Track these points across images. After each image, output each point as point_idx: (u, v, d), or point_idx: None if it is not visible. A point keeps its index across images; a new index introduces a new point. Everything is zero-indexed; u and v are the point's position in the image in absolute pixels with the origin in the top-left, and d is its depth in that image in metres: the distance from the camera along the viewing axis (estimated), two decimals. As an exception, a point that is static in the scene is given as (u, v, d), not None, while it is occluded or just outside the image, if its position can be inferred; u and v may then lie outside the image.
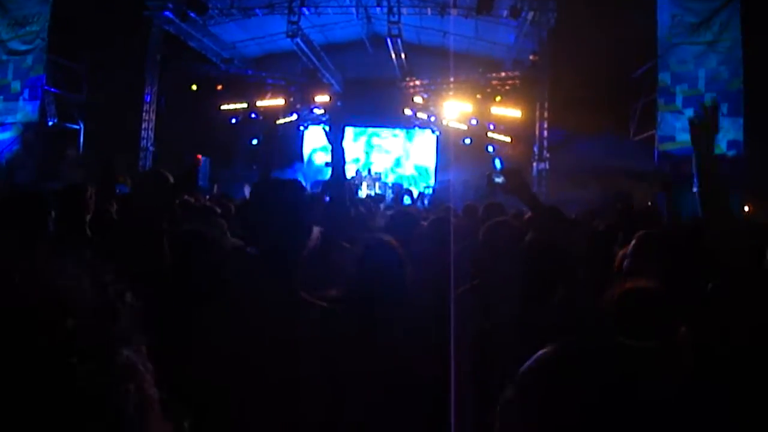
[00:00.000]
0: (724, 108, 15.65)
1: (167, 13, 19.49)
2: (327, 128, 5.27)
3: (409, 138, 27.68)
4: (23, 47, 17.61)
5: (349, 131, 26.69)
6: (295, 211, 2.73)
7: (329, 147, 5.01)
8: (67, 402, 0.77)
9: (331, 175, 5.37)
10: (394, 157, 27.51)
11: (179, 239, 3.71)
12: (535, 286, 3.52)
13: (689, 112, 15.69)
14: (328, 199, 5.68)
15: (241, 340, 2.41)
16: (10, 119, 17.65)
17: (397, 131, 27.51)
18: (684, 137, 16.04)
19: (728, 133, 15.63)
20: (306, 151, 27.72)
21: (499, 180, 4.35)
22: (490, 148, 24.11)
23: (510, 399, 2.69)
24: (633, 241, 4.10)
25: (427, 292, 3.80)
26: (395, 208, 11.52)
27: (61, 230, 4.27)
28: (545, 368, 2.61)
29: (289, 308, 2.55)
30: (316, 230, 2.94)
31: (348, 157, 5.40)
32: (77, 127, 18.97)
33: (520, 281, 3.57)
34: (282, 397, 2.37)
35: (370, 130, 27.48)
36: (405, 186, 23.49)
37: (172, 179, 4.75)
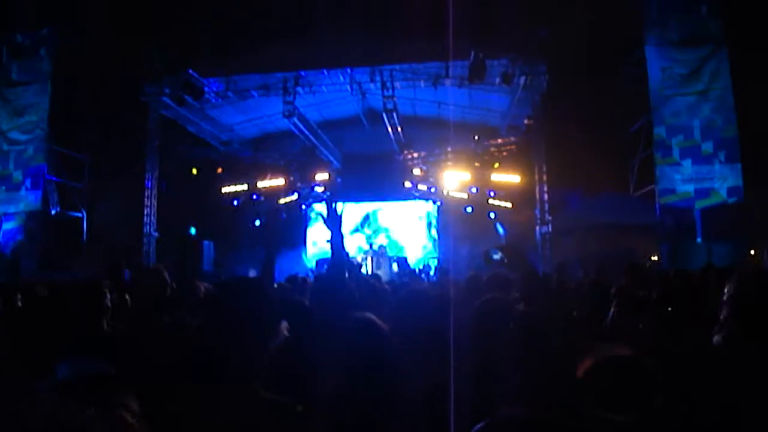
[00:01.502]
0: (721, 155, 15.74)
1: (164, 98, 19.78)
2: (324, 214, 5.25)
3: (411, 210, 27.68)
4: (23, 137, 17.84)
5: (352, 206, 26.80)
6: (250, 313, 2.71)
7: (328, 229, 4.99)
8: None
9: (331, 258, 5.31)
10: (397, 230, 27.48)
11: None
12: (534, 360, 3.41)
13: (687, 164, 15.88)
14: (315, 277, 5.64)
15: None
16: (12, 209, 17.76)
17: (399, 204, 27.51)
18: (684, 188, 16.09)
19: (728, 181, 15.67)
20: (310, 230, 27.77)
21: (496, 256, 4.35)
22: (492, 215, 24.16)
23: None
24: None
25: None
26: (401, 283, 11.41)
27: (80, 328, 4.22)
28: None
29: (246, 409, 2.51)
30: (282, 326, 2.91)
31: (349, 237, 5.37)
32: (80, 215, 19.05)
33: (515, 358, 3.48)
34: None
35: (373, 205, 27.54)
36: (407, 259, 23.43)
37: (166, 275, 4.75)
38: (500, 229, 20.83)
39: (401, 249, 26.46)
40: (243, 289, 2.84)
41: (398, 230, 27.46)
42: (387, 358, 3.21)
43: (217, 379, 2.54)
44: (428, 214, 27.52)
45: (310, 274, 19.97)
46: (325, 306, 4.51)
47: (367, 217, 27.60)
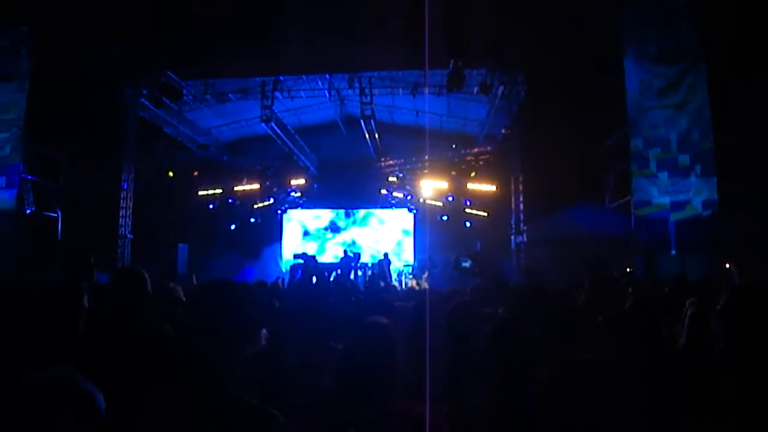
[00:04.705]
0: (697, 168, 15.85)
1: (142, 99, 19.62)
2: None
3: (386, 217, 27.66)
4: (0, 136, 17.59)
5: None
6: (228, 317, 2.69)
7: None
8: None
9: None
10: (375, 237, 27.40)
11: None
12: (506, 368, 3.37)
13: (664, 176, 15.99)
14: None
15: None
16: (-14, 207, 17.49)
17: (376, 211, 27.51)
18: (660, 200, 16.20)
19: (703, 193, 15.79)
20: (285, 234, 27.68)
21: (466, 264, 4.40)
22: (468, 224, 24.25)
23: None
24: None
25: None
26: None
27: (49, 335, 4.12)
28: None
29: (218, 410, 2.50)
30: (263, 332, 2.91)
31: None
32: (55, 215, 18.84)
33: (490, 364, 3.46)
34: None
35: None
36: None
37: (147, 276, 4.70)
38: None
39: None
40: (222, 293, 2.81)
41: (373, 237, 27.41)
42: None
43: (190, 381, 2.52)
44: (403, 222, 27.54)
45: (283, 279, 19.93)
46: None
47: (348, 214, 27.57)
